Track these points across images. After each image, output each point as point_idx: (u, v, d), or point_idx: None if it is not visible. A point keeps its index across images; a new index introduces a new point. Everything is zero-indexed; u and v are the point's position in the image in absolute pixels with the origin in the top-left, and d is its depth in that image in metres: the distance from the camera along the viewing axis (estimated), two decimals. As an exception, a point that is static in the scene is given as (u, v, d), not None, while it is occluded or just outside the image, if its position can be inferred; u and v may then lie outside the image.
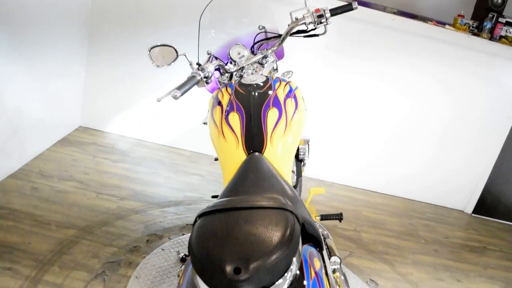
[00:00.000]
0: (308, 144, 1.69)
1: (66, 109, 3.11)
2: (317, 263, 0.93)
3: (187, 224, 2.35)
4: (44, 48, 2.61)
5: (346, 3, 1.69)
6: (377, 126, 3.25)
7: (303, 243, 0.98)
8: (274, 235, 0.80)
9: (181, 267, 1.24)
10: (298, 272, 0.83)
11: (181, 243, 2.11)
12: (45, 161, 2.71)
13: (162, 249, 2.05)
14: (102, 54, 3.13)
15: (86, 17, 3.03)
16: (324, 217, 1.86)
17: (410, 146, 3.30)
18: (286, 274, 0.79)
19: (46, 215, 2.20)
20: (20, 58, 2.40)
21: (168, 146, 3.28)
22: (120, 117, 3.28)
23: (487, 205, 3.68)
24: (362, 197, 3.24)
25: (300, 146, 1.65)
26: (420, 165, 3.34)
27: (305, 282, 0.83)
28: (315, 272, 0.89)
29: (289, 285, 0.79)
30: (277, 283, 0.77)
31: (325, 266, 1.01)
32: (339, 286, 1.08)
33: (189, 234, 2.19)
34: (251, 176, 1.21)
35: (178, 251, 2.05)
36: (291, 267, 0.81)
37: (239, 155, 1.34)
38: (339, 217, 1.86)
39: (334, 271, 1.14)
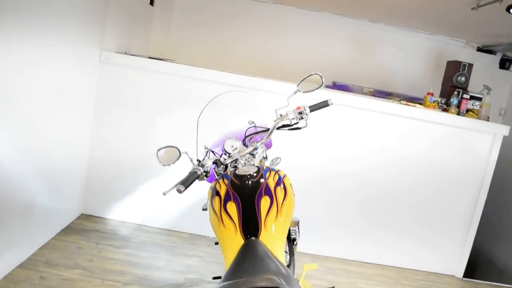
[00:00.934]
0: (298, 225, 1.89)
1: (68, 198, 3.28)
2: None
3: (189, 306, 2.46)
4: (48, 137, 2.81)
5: (323, 101, 1.96)
6: (363, 201, 3.46)
7: (298, 318, 1.15)
8: (272, 312, 0.97)
9: None
10: None
11: (185, 326, 2.22)
12: (51, 250, 2.84)
13: (168, 332, 2.15)
14: (103, 147, 3.38)
15: (90, 106, 3.30)
16: (318, 292, 2.01)
17: (396, 216, 3.49)
18: None
19: (55, 305, 2.31)
20: (22, 148, 2.58)
21: (167, 230, 3.44)
22: (120, 204, 3.46)
23: (477, 268, 3.82)
24: (355, 269, 3.37)
25: (291, 228, 1.84)
26: (408, 234, 3.51)
27: None
28: None
29: None
30: None
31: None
32: None
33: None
34: (249, 259, 1.40)
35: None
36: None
37: (237, 240, 1.53)
38: (331, 291, 2.02)
39: None
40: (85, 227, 3.26)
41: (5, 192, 2.42)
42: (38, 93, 2.57)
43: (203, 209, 1.97)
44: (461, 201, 3.50)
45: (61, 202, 3.14)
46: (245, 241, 1.52)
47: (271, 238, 1.55)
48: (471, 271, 3.76)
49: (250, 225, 1.56)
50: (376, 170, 3.43)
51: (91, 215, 3.46)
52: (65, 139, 3.03)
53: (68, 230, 3.17)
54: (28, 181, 2.65)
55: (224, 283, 1.18)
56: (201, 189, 2.08)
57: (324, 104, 1.95)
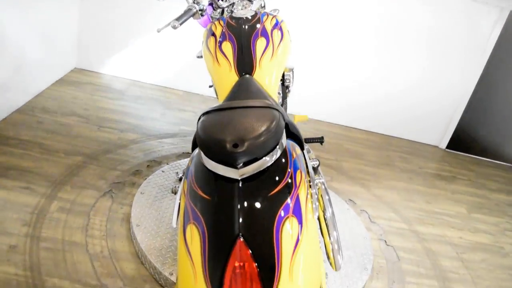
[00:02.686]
0: (293, 72, 1.89)
1: (61, 50, 3.22)
2: (298, 151, 1.16)
3: (183, 153, 2.57)
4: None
5: None
6: (356, 66, 3.44)
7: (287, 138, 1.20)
8: (264, 123, 1.01)
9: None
10: (281, 154, 1.05)
11: (179, 166, 2.34)
12: (46, 99, 2.87)
13: (162, 171, 2.28)
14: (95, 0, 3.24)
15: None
16: (307, 140, 2.09)
17: (388, 84, 3.50)
18: (272, 152, 1.01)
19: (53, 145, 2.40)
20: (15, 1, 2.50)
21: (161, 86, 3.46)
22: (114, 59, 3.42)
23: (461, 142, 3.96)
24: (344, 132, 3.49)
25: (285, 73, 1.86)
26: (398, 102, 3.57)
27: (287, 160, 1.05)
28: (296, 155, 1.11)
29: (275, 160, 1.01)
30: (265, 157, 0.99)
31: (305, 161, 1.23)
32: (318, 175, 1.31)
33: (185, 159, 2.42)
34: (243, 94, 1.42)
35: (177, 173, 2.29)
36: (277, 148, 1.03)
37: (232, 77, 1.54)
38: (320, 140, 2.09)
39: (313, 168, 1.38)
40: (79, 80, 3.26)
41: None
42: None
43: (198, 57, 1.95)
44: (453, 75, 3.49)
45: (53, 55, 3.10)
46: (239, 78, 1.53)
47: (265, 77, 1.56)
48: (453, 143, 3.90)
49: (245, 64, 1.55)
50: (373, 38, 3.35)
51: (84, 69, 3.44)
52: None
53: (62, 82, 3.18)
54: (19, 33, 2.58)
55: (218, 104, 1.20)
56: (197, 44, 2.03)
57: None
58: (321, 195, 1.19)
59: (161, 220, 1.93)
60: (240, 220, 0.90)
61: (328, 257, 1.14)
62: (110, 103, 3.00)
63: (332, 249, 1.13)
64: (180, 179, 2.21)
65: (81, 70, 3.43)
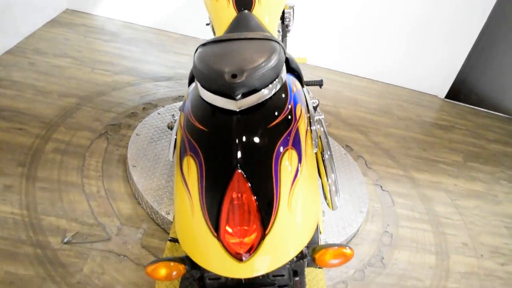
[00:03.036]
0: (293, 10, 1.82)
1: (52, -10, 3.10)
2: (298, 86, 1.13)
3: (179, 96, 2.53)
4: None
5: None
6: (358, 13, 3.33)
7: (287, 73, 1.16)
8: (263, 54, 0.97)
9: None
10: (281, 87, 1.02)
11: (175, 109, 2.31)
12: (38, 40, 2.78)
13: (158, 113, 2.24)
14: None
15: None
16: (306, 83, 2.04)
17: (388, 32, 3.40)
18: (271, 85, 0.97)
19: (46, 86, 2.34)
20: None
21: (156, 29, 3.35)
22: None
23: (460, 92, 3.92)
24: (343, 80, 3.43)
25: (285, 10, 1.78)
26: (398, 51, 3.49)
27: (287, 94, 1.02)
28: (296, 89, 1.08)
29: (274, 93, 0.98)
30: (264, 89, 0.95)
31: (305, 98, 1.20)
32: (317, 113, 1.28)
33: (181, 102, 2.38)
34: (242, 27, 1.36)
35: (173, 115, 2.24)
36: (276, 81, 0.99)
37: (230, 13, 1.48)
38: (319, 83, 2.04)
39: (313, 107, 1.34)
40: (71, 21, 3.15)
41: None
42: None
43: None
44: (455, 26, 3.39)
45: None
46: (237, 13, 1.47)
47: (265, 13, 1.50)
48: (452, 93, 3.86)
49: (244, -2, 1.49)
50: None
51: (76, 11, 3.31)
52: None
53: (54, 23, 3.07)
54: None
55: (216, 36, 1.15)
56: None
57: None
58: (320, 137, 1.17)
59: (157, 161, 1.91)
60: (238, 151, 0.87)
61: (325, 198, 1.13)
62: (104, 45, 2.91)
63: (330, 190, 1.12)
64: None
65: (73, 11, 3.30)
